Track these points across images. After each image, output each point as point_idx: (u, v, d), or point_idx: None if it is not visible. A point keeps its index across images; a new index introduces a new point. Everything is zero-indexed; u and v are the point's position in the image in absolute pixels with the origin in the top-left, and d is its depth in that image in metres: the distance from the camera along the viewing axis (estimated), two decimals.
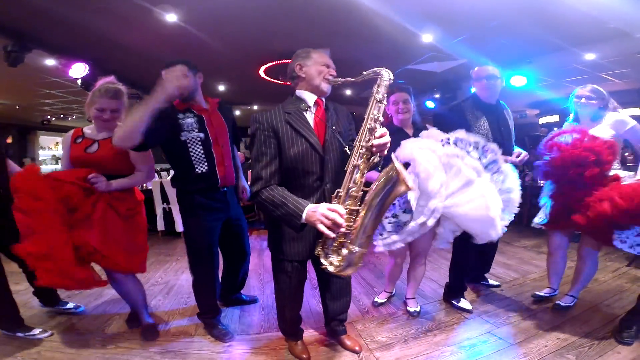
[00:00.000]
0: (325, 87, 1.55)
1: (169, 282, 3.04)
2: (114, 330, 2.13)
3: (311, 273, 1.88)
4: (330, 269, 1.39)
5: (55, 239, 1.64)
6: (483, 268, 2.80)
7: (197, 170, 1.81)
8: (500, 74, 2.23)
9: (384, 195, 1.31)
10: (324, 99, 1.61)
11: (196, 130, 1.77)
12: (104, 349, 1.92)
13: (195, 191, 1.86)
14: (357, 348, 1.89)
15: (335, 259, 1.40)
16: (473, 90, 2.37)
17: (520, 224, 4.83)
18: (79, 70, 4.64)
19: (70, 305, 2.39)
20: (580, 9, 3.19)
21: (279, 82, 5.64)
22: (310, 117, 1.55)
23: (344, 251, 1.37)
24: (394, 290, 2.60)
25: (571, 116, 2.25)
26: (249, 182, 1.88)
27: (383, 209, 1.33)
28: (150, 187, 4.70)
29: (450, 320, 2.22)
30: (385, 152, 1.43)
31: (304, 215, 1.33)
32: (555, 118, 7.29)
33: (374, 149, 1.38)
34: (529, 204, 4.34)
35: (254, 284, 2.94)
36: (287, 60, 4.89)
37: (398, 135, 2.10)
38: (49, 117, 8.89)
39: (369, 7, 3.34)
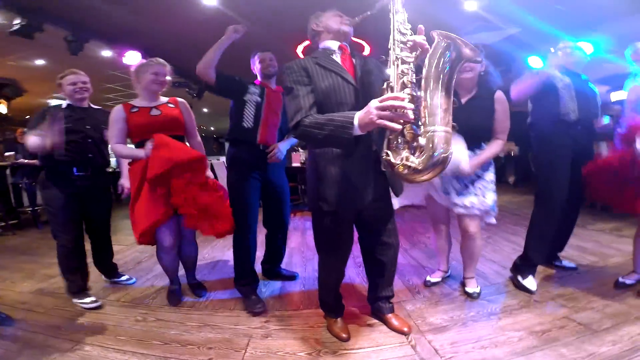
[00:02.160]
0: (346, 28, 1.56)
1: (215, 257, 3.08)
2: (158, 304, 2.15)
3: (355, 252, 1.76)
4: (410, 165, 1.12)
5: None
6: (556, 246, 2.41)
7: (244, 124, 2.09)
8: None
9: (450, 61, 1.10)
10: (347, 46, 1.59)
11: (256, 95, 2.11)
12: (144, 321, 1.92)
13: (239, 143, 2.13)
14: (405, 329, 1.68)
15: (413, 157, 1.13)
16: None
17: (595, 207, 4.29)
18: (133, 57, 4.84)
19: (124, 277, 2.51)
20: None
21: None
22: (338, 58, 1.55)
23: (422, 140, 1.11)
24: (449, 270, 2.33)
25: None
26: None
27: (452, 74, 1.11)
28: None
29: (517, 304, 1.92)
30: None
31: (355, 121, 1.19)
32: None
33: (412, 43, 1.22)
34: None
35: (296, 262, 2.84)
36: None
37: None
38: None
39: None
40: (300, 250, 3.18)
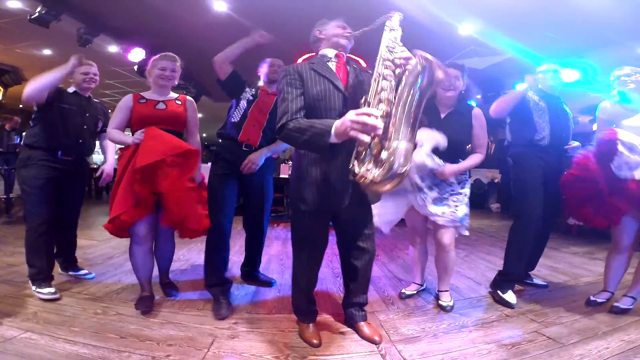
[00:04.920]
0: (344, 41, 1.63)
1: (190, 259, 2.99)
2: (122, 299, 2.06)
3: (335, 263, 1.77)
4: (369, 176, 1.18)
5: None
6: (528, 264, 2.46)
7: (231, 118, 2.20)
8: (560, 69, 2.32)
9: (422, 83, 1.14)
10: (344, 54, 1.66)
11: (247, 99, 2.20)
12: (103, 315, 1.83)
13: (224, 139, 2.21)
14: (376, 338, 1.64)
15: (374, 169, 1.18)
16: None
17: (569, 233, 4.40)
18: (137, 55, 4.86)
19: (83, 271, 2.42)
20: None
21: None
22: (332, 66, 1.60)
23: (384, 154, 1.16)
24: (425, 284, 2.32)
25: (616, 97, 2.12)
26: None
27: (423, 96, 1.16)
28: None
29: (489, 317, 1.91)
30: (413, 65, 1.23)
31: (332, 130, 1.23)
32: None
33: (398, 60, 1.30)
34: None
35: (273, 268, 2.81)
36: None
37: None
38: (108, 109, 9.56)
39: None
40: (280, 258, 3.14)
